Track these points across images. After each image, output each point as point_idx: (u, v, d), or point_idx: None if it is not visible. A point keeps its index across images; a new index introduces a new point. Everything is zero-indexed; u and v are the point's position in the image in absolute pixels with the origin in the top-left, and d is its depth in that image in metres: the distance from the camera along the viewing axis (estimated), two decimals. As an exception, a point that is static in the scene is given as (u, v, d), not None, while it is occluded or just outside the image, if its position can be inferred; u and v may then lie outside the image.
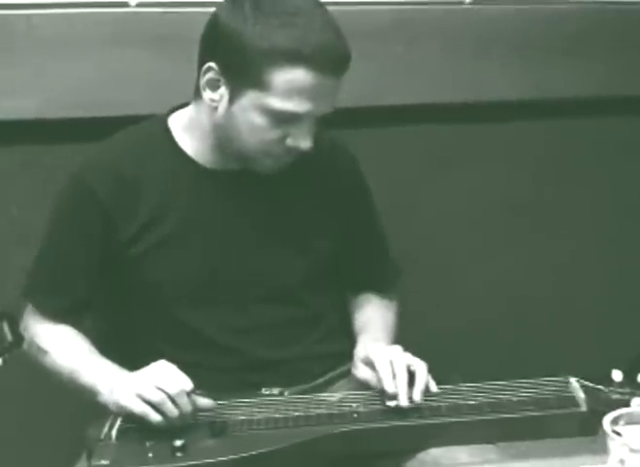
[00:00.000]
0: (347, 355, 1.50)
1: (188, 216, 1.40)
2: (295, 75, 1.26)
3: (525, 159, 1.99)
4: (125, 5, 1.71)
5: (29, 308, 1.46)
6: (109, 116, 1.70)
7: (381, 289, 1.58)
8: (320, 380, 1.49)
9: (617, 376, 1.27)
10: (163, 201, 1.40)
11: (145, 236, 1.39)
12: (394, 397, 1.27)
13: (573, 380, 1.30)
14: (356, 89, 1.80)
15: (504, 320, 2.03)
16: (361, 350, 1.42)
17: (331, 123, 1.78)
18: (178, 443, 1.20)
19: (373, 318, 1.54)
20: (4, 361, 1.03)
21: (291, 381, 1.44)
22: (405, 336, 1.86)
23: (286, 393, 1.41)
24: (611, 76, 1.94)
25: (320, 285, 1.50)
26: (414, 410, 1.26)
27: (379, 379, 1.30)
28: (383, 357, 1.32)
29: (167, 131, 1.42)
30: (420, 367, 1.30)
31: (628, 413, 1.09)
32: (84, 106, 1.70)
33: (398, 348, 1.34)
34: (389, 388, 1.27)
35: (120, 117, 1.67)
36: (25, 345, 1.41)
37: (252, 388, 1.41)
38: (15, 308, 1.33)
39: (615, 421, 1.07)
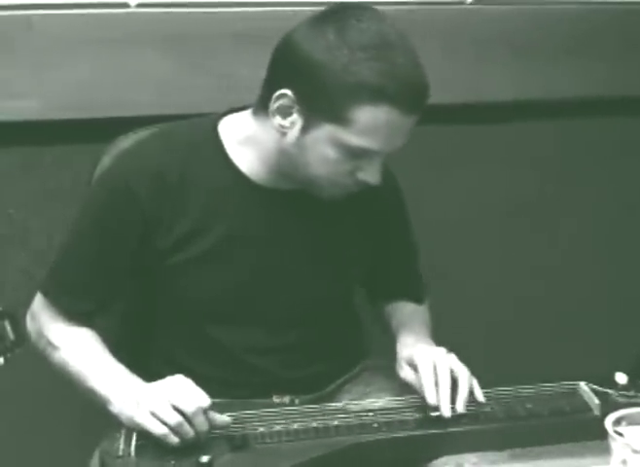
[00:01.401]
0: (355, 361, 1.52)
1: (231, 233, 1.35)
2: (378, 113, 1.21)
3: (527, 159, 1.99)
4: (126, 6, 1.71)
5: (43, 301, 1.40)
6: (109, 117, 1.70)
7: (416, 299, 1.57)
8: (331, 387, 1.49)
9: (621, 378, 1.27)
10: (208, 214, 1.34)
11: (184, 249, 1.34)
12: (437, 407, 1.25)
13: (583, 384, 1.30)
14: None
15: (506, 320, 2.03)
16: (404, 349, 1.39)
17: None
18: (204, 459, 1.17)
19: (411, 315, 1.52)
20: (5, 360, 1.03)
21: (302, 391, 1.43)
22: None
23: (297, 401, 1.41)
24: (613, 76, 1.94)
25: (345, 305, 1.49)
26: (431, 418, 1.25)
27: (422, 387, 1.28)
28: (427, 362, 1.30)
29: (217, 139, 1.35)
30: (463, 374, 1.28)
31: (631, 414, 1.09)
32: (84, 107, 1.69)
33: (441, 351, 1.33)
34: (431, 400, 1.25)
35: (120, 118, 1.67)
36: (34, 336, 1.40)
37: (263, 396, 1.39)
38: (16, 308, 1.32)
39: (617, 422, 1.07)
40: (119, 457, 1.21)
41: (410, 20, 1.81)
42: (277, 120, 1.27)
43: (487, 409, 1.26)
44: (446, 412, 1.24)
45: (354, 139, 1.23)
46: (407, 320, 1.50)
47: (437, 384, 1.27)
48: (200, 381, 1.24)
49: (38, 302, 1.42)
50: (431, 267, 1.91)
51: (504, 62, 1.88)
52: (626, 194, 2.06)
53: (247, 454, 1.20)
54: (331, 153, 1.25)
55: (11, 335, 1.04)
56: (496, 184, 1.98)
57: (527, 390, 1.30)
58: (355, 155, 1.25)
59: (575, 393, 1.29)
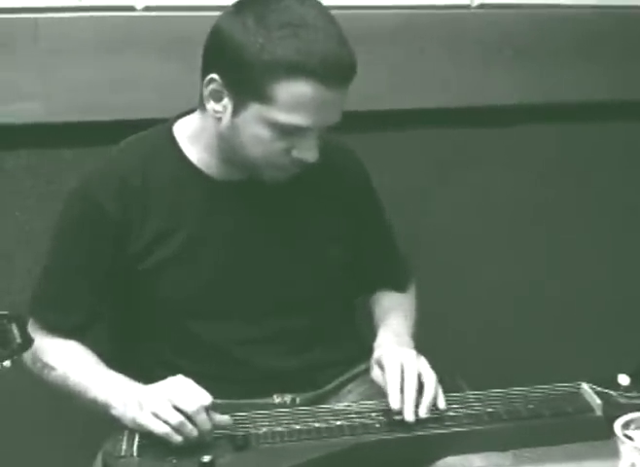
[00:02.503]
0: (356, 359, 1.50)
1: (197, 229, 1.38)
2: (298, 88, 1.23)
3: (532, 163, 1.99)
4: (132, 9, 1.71)
5: (33, 324, 1.41)
6: (114, 120, 1.70)
7: (397, 286, 1.57)
8: (330, 386, 1.48)
9: (623, 380, 1.27)
10: (172, 215, 1.37)
11: (154, 251, 1.37)
12: (400, 411, 1.25)
13: (585, 385, 1.30)
14: (363, 94, 1.80)
15: (509, 321, 2.03)
16: (377, 349, 1.39)
17: (337, 126, 1.79)
18: (206, 459, 1.18)
19: (393, 309, 1.52)
20: (12, 363, 1.03)
21: (302, 388, 1.43)
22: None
23: (298, 400, 1.42)
24: (618, 80, 1.94)
25: (331, 292, 1.49)
26: (434, 419, 1.25)
27: (386, 389, 1.28)
28: (394, 365, 1.29)
29: (173, 140, 1.40)
30: (430, 379, 1.28)
31: (639, 418, 1.09)
32: (89, 110, 1.70)
33: (411, 354, 1.33)
34: (394, 404, 1.25)
35: (125, 121, 1.67)
36: (29, 363, 1.42)
37: (263, 396, 1.40)
38: (22, 310, 1.32)
39: (626, 425, 1.07)
40: (121, 457, 1.21)
41: (416, 25, 1.83)
42: (211, 105, 1.31)
43: (490, 409, 1.26)
44: (409, 416, 1.23)
45: (280, 116, 1.25)
46: (385, 317, 1.50)
47: (402, 388, 1.26)
48: (197, 382, 1.25)
49: (29, 327, 1.42)
50: (435, 268, 1.92)
51: (508, 66, 1.88)
52: (630, 197, 2.06)
53: (249, 454, 1.21)
54: (262, 132, 1.28)
55: (18, 338, 1.04)
56: (500, 187, 1.98)
57: (530, 391, 1.30)
58: (286, 132, 1.27)
59: (577, 394, 1.29)
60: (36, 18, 1.65)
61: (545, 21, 1.88)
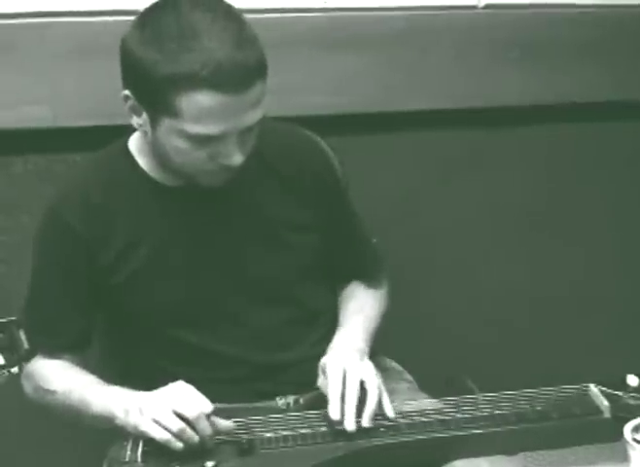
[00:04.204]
0: None
1: (162, 237, 1.39)
2: (199, 99, 1.21)
3: (539, 163, 1.98)
4: (137, 14, 1.71)
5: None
6: (121, 124, 1.68)
7: (366, 276, 1.55)
8: None
9: (632, 380, 1.26)
10: (135, 226, 1.38)
11: (123, 263, 1.38)
12: (340, 422, 1.24)
13: (593, 387, 1.29)
14: (369, 95, 1.81)
15: (517, 323, 2.03)
16: (327, 353, 1.38)
17: (344, 128, 1.79)
18: (210, 464, 1.19)
19: (355, 312, 1.49)
20: (20, 369, 1.03)
21: (303, 387, 1.42)
22: (419, 342, 1.86)
23: (301, 401, 1.41)
24: (625, 81, 1.93)
25: (312, 281, 1.48)
26: (441, 422, 1.24)
27: (327, 398, 1.27)
28: (336, 373, 1.29)
29: (128, 153, 1.41)
30: (372, 387, 1.27)
31: (649, 422, 1.08)
32: (98, 114, 1.70)
33: (354, 360, 1.32)
34: (334, 415, 1.24)
35: (132, 125, 1.67)
36: (32, 394, 1.42)
37: (266, 398, 1.40)
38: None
39: (635, 429, 1.07)
40: (125, 463, 1.22)
41: (423, 26, 1.83)
42: (134, 120, 1.32)
43: (498, 412, 1.26)
44: (350, 426, 1.23)
45: (189, 128, 1.24)
46: (345, 320, 1.48)
47: (344, 396, 1.25)
48: (197, 387, 1.25)
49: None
50: (440, 269, 1.92)
51: (516, 67, 1.87)
52: (638, 198, 2.06)
53: (253, 459, 1.21)
54: (180, 144, 1.27)
55: (25, 344, 1.04)
56: (505, 188, 1.97)
57: (537, 393, 1.30)
58: (202, 141, 1.26)
59: (585, 395, 1.29)
60: (42, 23, 1.65)
61: (552, 22, 1.88)
